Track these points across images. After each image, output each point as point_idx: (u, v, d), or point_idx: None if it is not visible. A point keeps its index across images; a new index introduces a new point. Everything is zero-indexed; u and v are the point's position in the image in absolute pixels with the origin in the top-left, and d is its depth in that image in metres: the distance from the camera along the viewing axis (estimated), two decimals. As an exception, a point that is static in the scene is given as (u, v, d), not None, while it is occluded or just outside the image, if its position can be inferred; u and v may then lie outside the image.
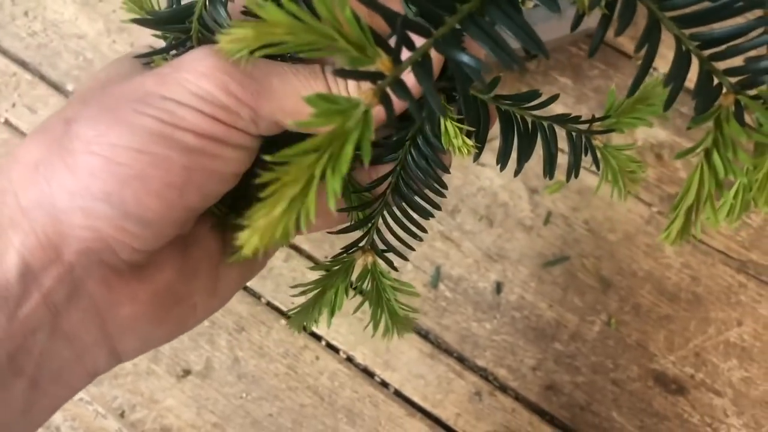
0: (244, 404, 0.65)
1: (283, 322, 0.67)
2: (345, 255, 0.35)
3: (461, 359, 0.66)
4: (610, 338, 0.67)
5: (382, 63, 0.22)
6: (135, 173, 0.25)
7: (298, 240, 0.69)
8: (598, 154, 0.32)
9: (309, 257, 0.68)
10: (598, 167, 0.32)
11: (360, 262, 0.36)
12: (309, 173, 0.19)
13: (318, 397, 0.65)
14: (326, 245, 0.69)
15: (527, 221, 0.69)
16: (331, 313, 0.36)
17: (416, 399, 0.65)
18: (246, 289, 0.68)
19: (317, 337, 0.67)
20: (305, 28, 0.19)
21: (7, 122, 0.72)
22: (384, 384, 0.66)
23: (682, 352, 0.66)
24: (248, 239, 0.19)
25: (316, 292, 0.35)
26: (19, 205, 0.26)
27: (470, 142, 0.31)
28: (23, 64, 0.74)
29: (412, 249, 0.34)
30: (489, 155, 0.70)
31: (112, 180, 0.25)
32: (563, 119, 0.33)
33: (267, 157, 0.20)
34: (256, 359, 0.66)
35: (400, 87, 0.23)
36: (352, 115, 0.20)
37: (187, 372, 0.66)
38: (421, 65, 0.23)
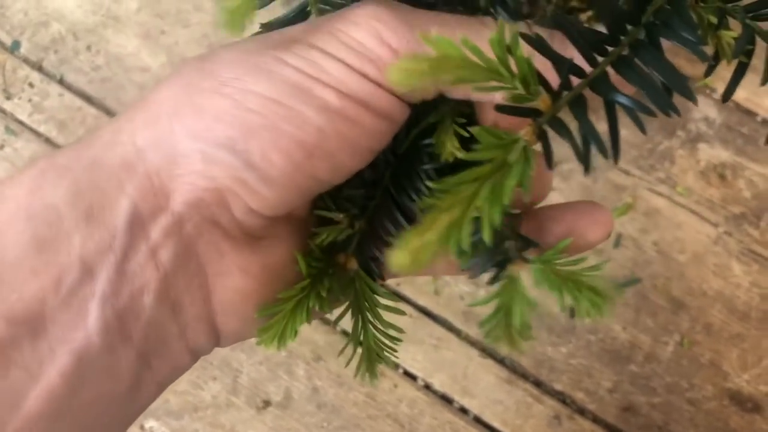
0: (326, 434, 0.66)
1: (359, 350, 0.68)
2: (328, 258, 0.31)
3: (538, 383, 0.67)
4: (684, 358, 0.68)
5: (542, 101, 0.23)
6: (265, 123, 0.23)
7: (370, 268, 0.70)
8: None
9: (382, 284, 0.69)
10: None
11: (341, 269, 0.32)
12: (468, 202, 0.20)
13: (398, 424, 0.66)
14: (398, 272, 0.69)
15: (598, 245, 0.70)
16: (292, 333, 0.30)
17: (496, 424, 0.66)
18: (321, 318, 0.69)
19: (395, 365, 0.67)
20: (476, 64, 0.20)
21: (75, 157, 0.73)
22: (463, 410, 0.67)
23: (756, 370, 0.67)
24: (399, 259, 0.20)
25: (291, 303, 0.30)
26: (134, 144, 0.24)
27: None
28: (88, 98, 0.75)
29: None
30: (557, 179, 0.72)
31: (240, 126, 0.23)
32: None
33: (431, 184, 0.21)
34: (335, 388, 0.67)
35: (558, 124, 0.24)
36: (513, 149, 0.21)
37: (267, 403, 0.67)
38: (577, 103, 0.24)
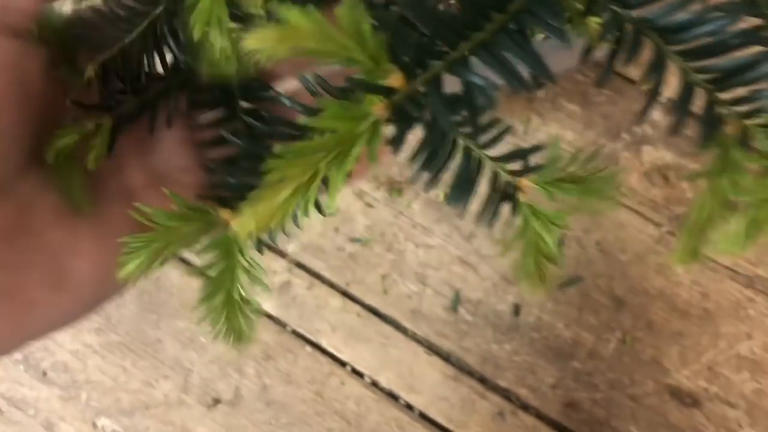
0: (274, 430, 0.67)
1: (308, 349, 0.69)
2: (202, 211, 0.30)
3: (483, 380, 0.69)
4: (626, 355, 0.70)
5: (395, 79, 0.24)
6: None
7: (319, 268, 0.71)
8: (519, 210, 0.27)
9: (331, 285, 0.71)
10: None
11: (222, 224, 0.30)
12: (315, 168, 0.20)
13: (345, 421, 0.68)
14: (348, 272, 0.71)
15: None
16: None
17: (441, 421, 0.68)
18: (271, 317, 0.70)
19: (342, 363, 0.69)
20: (326, 36, 0.20)
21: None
22: (409, 407, 0.68)
23: (695, 367, 0.69)
24: (245, 223, 0.21)
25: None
26: None
27: None
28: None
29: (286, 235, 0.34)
30: (502, 181, 0.74)
31: None
32: (500, 157, 0.28)
33: (277, 149, 0.22)
34: (284, 386, 0.69)
35: (412, 103, 0.25)
36: (362, 123, 0.22)
37: (216, 401, 0.68)
38: (432, 84, 0.25)
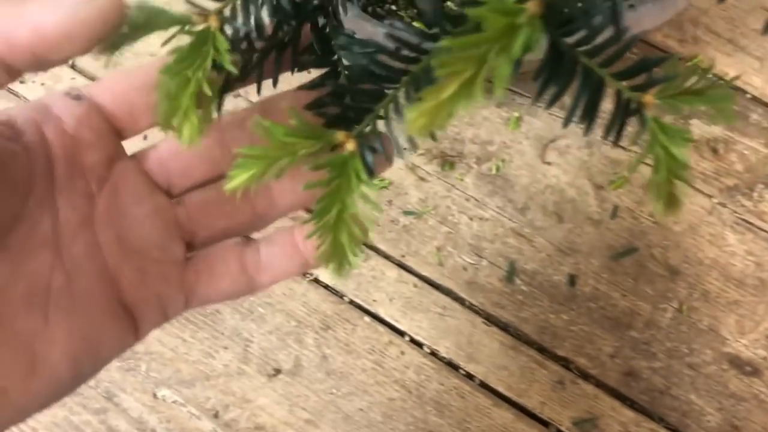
0: (335, 400, 0.67)
1: (367, 319, 0.70)
2: (326, 130, 0.32)
3: (542, 350, 0.69)
4: (683, 324, 0.70)
5: None
6: None
7: (375, 240, 0.72)
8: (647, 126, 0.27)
9: (386, 257, 0.71)
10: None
11: (339, 146, 0.32)
12: (479, 62, 0.21)
13: (406, 390, 0.68)
14: (402, 245, 0.72)
15: (595, 216, 0.73)
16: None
17: (501, 389, 0.68)
18: (328, 288, 0.71)
19: (401, 333, 0.69)
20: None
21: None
22: (469, 376, 0.68)
23: (753, 335, 0.69)
24: (416, 119, 0.22)
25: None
26: None
27: None
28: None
29: (401, 154, 0.35)
30: (554, 153, 0.74)
31: None
32: (621, 73, 0.32)
33: (444, 42, 0.23)
34: (344, 356, 0.69)
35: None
36: (520, 16, 0.23)
37: (277, 371, 0.68)
38: None
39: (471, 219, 0.72)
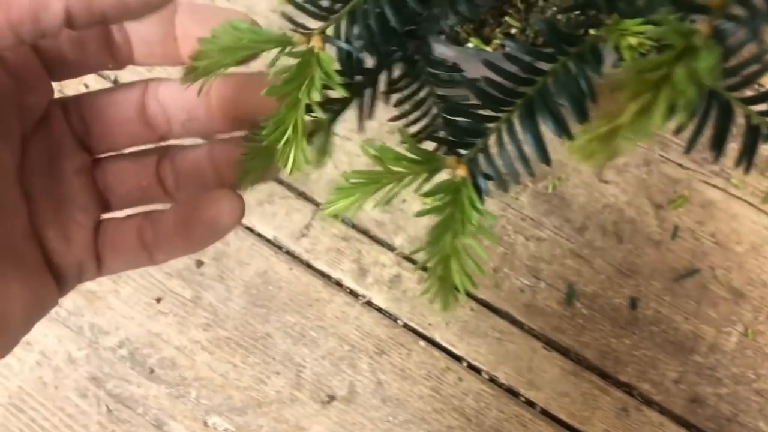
0: (392, 429, 0.65)
1: (422, 344, 0.68)
2: (435, 154, 0.31)
3: (604, 375, 0.67)
4: (749, 348, 0.68)
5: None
6: None
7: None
8: None
9: (441, 279, 0.69)
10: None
11: (447, 171, 0.31)
12: (658, 86, 0.20)
13: (465, 418, 0.66)
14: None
15: (655, 236, 0.71)
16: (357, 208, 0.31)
17: (564, 417, 0.66)
18: (381, 311, 0.68)
19: (458, 358, 0.67)
20: None
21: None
22: (530, 403, 0.66)
23: (821, 360, 0.67)
24: (585, 146, 0.20)
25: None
26: None
27: None
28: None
29: (517, 181, 0.33)
30: (612, 172, 0.72)
31: None
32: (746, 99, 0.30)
33: (628, 63, 0.21)
34: (399, 382, 0.67)
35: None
36: (696, 36, 0.22)
37: (331, 397, 0.66)
38: None
39: (527, 239, 0.70)
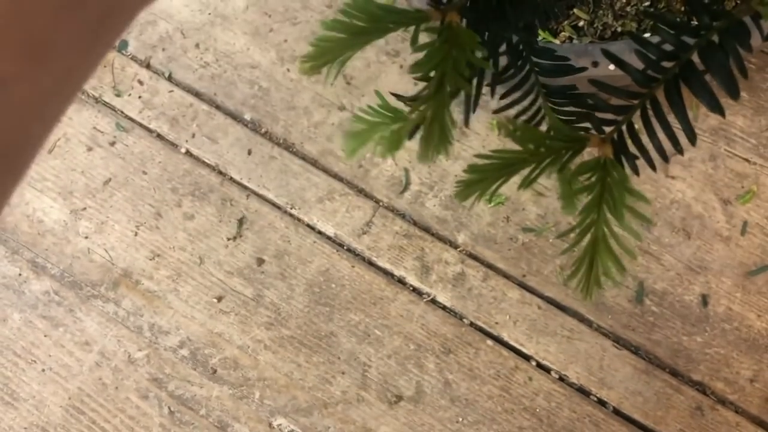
0: (461, 429, 0.64)
1: (490, 342, 0.66)
2: (575, 132, 0.29)
3: (676, 374, 0.66)
4: (823, 347, 0.66)
5: None
6: None
7: (493, 259, 0.69)
8: None
9: (506, 276, 0.68)
10: None
11: (591, 150, 0.29)
12: None
13: (536, 418, 0.64)
14: (523, 263, 0.68)
15: (724, 232, 0.69)
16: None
17: (637, 417, 0.64)
18: (446, 309, 0.67)
19: (527, 357, 0.66)
20: None
21: (188, 152, 0.73)
22: (602, 402, 0.65)
23: None
24: None
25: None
26: None
27: None
28: (197, 94, 0.75)
29: (665, 159, 0.31)
30: (678, 167, 0.71)
31: None
32: None
33: None
34: (468, 381, 0.65)
35: None
36: None
37: (398, 398, 0.65)
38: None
39: (593, 236, 0.69)
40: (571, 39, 0.67)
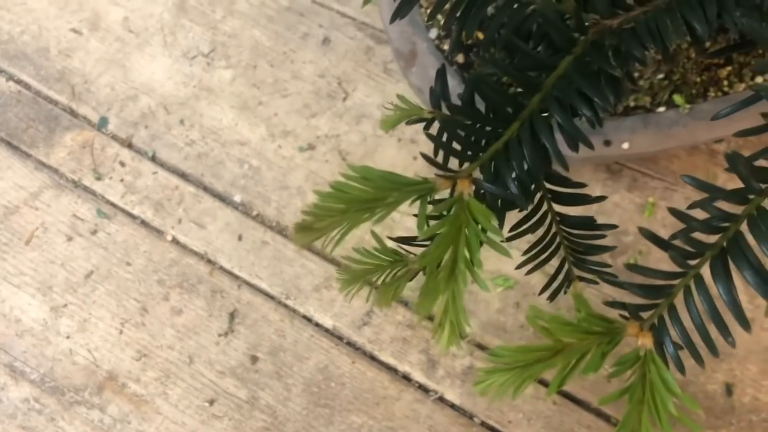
0: None
1: (502, 443, 0.62)
2: (614, 321, 0.27)
3: (702, 472, 0.62)
4: None
5: None
6: None
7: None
8: None
9: (517, 367, 0.64)
10: None
11: (631, 340, 0.27)
12: None
13: None
14: (534, 353, 0.64)
15: (747, 314, 0.65)
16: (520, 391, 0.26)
17: None
18: (455, 407, 0.63)
19: (543, 459, 0.62)
20: None
21: (174, 240, 0.68)
22: (624, 507, 0.61)
23: None
24: None
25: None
26: None
27: None
28: (183, 176, 0.71)
29: (715, 353, 0.28)
30: (696, 245, 0.67)
31: None
32: None
33: None
34: (480, 488, 0.61)
35: None
36: None
37: None
38: None
39: (608, 321, 0.65)
40: (581, 116, 0.63)
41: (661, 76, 0.63)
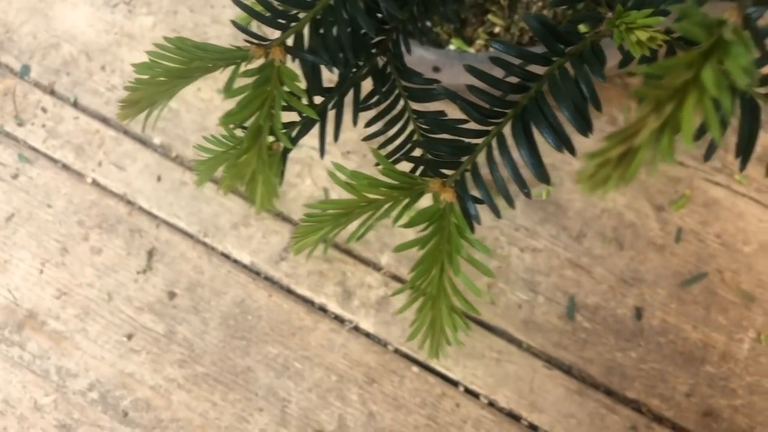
0: (386, 463, 0.61)
1: (415, 369, 0.64)
2: (416, 177, 0.28)
3: (610, 393, 0.63)
4: (762, 355, 0.64)
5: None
6: None
7: (418, 280, 0.66)
8: None
9: (432, 298, 0.65)
10: None
11: (432, 196, 0.28)
12: (683, 93, 0.17)
13: (464, 447, 0.62)
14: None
15: (658, 240, 0.67)
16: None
17: (570, 440, 0.62)
18: (370, 336, 0.64)
19: (454, 383, 0.63)
20: None
21: (95, 182, 0.69)
22: (533, 427, 0.62)
23: (840, 364, 0.64)
24: (596, 172, 0.17)
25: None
26: None
27: None
28: (105, 120, 0.72)
29: (511, 205, 0.29)
30: (608, 174, 0.68)
31: None
32: None
33: (644, 68, 0.18)
34: (393, 412, 0.63)
35: None
36: (724, 29, 0.18)
37: (320, 433, 0.62)
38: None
39: (522, 251, 0.66)
40: (487, 47, 0.64)
41: (564, 6, 0.64)
